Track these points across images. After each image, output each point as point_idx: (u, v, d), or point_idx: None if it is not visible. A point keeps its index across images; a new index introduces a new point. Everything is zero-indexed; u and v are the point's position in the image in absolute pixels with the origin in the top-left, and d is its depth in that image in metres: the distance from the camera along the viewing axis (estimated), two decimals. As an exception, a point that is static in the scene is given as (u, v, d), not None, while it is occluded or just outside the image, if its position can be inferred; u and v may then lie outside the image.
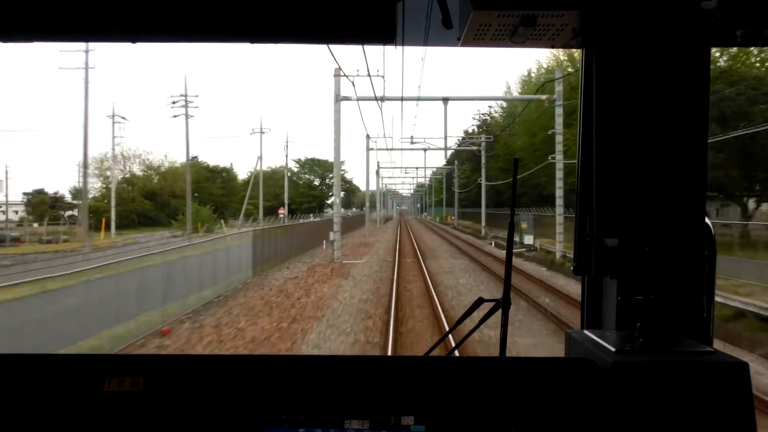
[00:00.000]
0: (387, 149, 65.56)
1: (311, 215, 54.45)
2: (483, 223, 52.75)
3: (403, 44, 1.60)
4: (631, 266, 1.43)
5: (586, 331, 1.42)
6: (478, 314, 1.54)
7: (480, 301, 1.52)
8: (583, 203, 1.53)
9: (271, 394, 1.18)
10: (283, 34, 1.39)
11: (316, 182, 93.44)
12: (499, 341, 1.49)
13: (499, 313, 1.47)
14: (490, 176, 53.81)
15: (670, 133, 1.41)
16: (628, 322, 1.40)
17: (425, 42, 1.57)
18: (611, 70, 1.43)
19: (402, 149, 63.12)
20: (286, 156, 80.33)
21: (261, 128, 59.45)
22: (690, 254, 1.43)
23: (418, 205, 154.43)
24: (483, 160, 51.98)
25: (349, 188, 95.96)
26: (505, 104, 56.69)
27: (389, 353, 10.68)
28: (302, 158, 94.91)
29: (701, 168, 1.42)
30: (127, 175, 68.62)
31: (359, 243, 41.90)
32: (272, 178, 79.15)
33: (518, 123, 46.53)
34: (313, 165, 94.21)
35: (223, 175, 79.89)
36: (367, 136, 56.43)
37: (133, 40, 1.42)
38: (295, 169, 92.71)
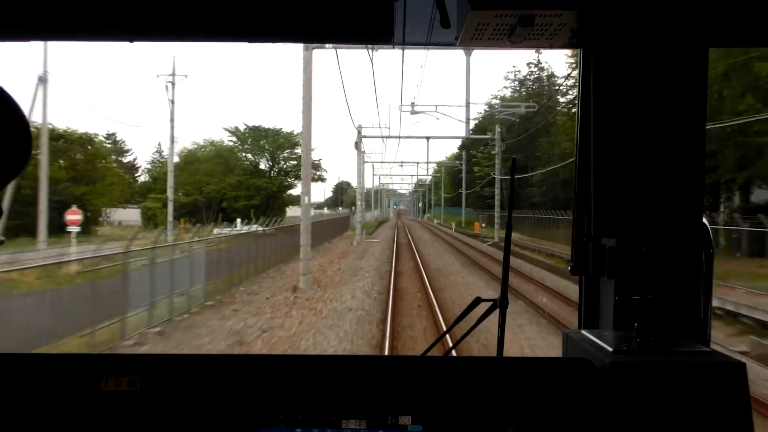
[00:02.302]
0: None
1: (239, 222, 28.03)
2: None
3: (402, 44, 1.60)
4: (628, 266, 1.44)
5: (583, 331, 1.42)
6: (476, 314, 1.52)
7: (477, 301, 1.52)
8: (580, 203, 1.53)
9: (268, 393, 1.19)
10: (280, 33, 1.39)
11: (263, 165, 62.31)
12: (497, 341, 1.50)
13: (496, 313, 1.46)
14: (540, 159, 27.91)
15: (667, 132, 1.41)
16: (625, 322, 1.40)
17: (423, 42, 1.57)
18: (609, 70, 1.43)
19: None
20: (171, 102, 38.75)
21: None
22: (687, 254, 1.43)
23: (420, 205, 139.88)
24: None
25: (320, 177, 66.28)
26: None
27: (386, 353, 10.67)
28: (241, 127, 61.59)
29: (699, 168, 1.42)
30: None
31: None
32: (198, 159, 55.94)
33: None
34: (257, 137, 60.73)
35: (89, 147, 47.45)
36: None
37: (131, 39, 1.43)
38: (231, 144, 61.81)
